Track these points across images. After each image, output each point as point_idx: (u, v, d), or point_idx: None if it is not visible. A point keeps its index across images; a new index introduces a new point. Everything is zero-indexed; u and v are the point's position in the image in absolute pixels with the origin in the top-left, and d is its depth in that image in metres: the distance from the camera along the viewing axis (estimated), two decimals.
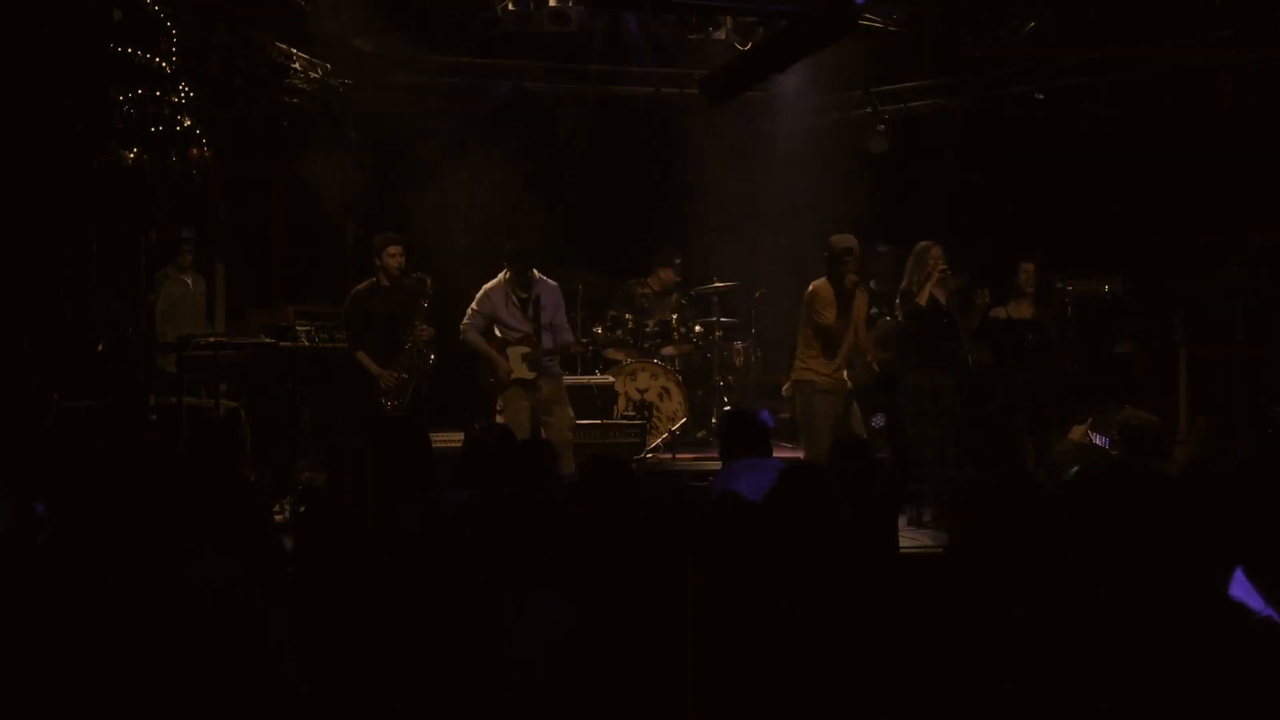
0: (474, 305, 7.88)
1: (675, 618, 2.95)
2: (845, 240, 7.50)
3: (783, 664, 2.81)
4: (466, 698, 2.98)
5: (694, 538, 3.20)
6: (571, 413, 8.02)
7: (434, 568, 3.31)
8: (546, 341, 7.80)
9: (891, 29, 9.35)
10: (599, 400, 9.10)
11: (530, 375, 7.74)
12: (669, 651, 2.87)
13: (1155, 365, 8.75)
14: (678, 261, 10.15)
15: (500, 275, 7.87)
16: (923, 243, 7.90)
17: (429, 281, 7.87)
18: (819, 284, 7.50)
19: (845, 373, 7.54)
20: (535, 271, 7.85)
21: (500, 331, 7.86)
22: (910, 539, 6.85)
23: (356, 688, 3.04)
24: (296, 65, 9.16)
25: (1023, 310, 8.39)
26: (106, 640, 2.60)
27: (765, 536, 3.14)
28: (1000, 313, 8.36)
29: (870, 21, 8.87)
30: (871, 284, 9.29)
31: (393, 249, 7.80)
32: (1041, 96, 9.54)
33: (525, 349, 7.77)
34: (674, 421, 9.37)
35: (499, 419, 7.86)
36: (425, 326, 7.80)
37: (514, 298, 7.81)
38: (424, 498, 4.18)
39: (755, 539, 3.15)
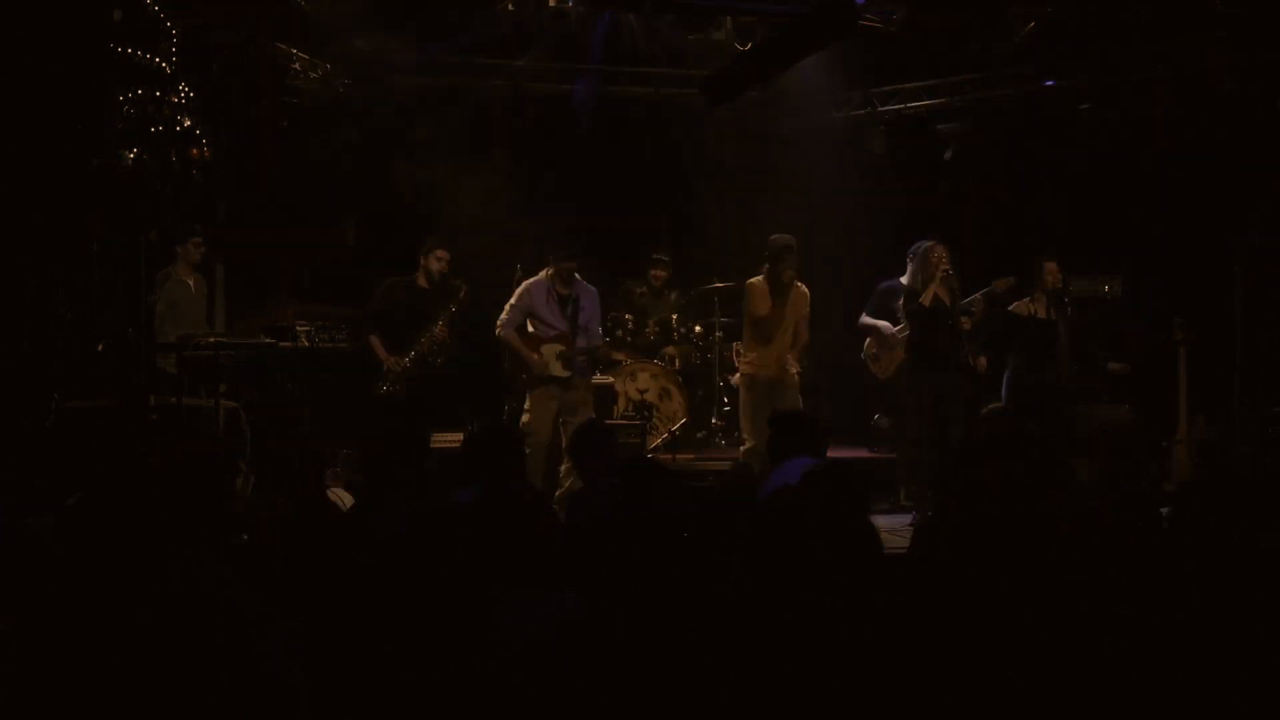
0: (512, 301, 7.93)
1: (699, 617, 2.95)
2: (783, 239, 7.74)
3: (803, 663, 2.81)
4: (468, 696, 2.98)
5: (743, 536, 3.19)
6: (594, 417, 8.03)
7: (423, 567, 3.31)
8: (580, 341, 7.83)
9: (891, 29, 9.35)
10: (599, 401, 9.08)
11: (565, 374, 7.77)
12: (695, 651, 2.86)
13: (1155, 365, 8.74)
14: (657, 257, 10.13)
15: (543, 272, 7.93)
16: (926, 243, 7.92)
17: (464, 289, 8.08)
18: (755, 279, 7.80)
19: (793, 368, 7.73)
20: (578, 274, 7.92)
21: (534, 327, 7.89)
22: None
23: (356, 688, 3.04)
24: (296, 65, 9.16)
25: (1039, 309, 8.36)
26: (101, 642, 2.60)
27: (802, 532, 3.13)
28: (1023, 310, 8.35)
29: (870, 21, 8.87)
30: (903, 279, 9.30)
31: (440, 253, 8.12)
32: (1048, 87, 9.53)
33: (560, 346, 7.78)
34: (674, 422, 9.36)
35: (524, 417, 7.87)
36: (443, 327, 7.91)
37: (555, 294, 7.86)
38: (415, 497, 4.18)
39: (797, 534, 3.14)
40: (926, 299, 7.79)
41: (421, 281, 8.12)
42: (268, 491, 7.39)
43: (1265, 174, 8.53)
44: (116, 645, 2.60)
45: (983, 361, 8.12)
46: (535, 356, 7.76)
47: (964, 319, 7.99)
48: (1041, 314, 8.33)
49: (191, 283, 8.28)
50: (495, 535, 3.29)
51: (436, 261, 8.07)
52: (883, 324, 9.17)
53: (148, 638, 2.61)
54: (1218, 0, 8.37)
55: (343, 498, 5.93)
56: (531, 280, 7.97)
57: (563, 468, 7.65)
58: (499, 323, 7.91)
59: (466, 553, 3.31)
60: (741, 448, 7.85)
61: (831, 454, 8.79)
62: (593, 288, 8.10)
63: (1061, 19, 8.93)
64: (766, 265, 7.77)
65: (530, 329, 7.89)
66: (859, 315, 8.73)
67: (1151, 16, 8.81)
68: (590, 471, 5.08)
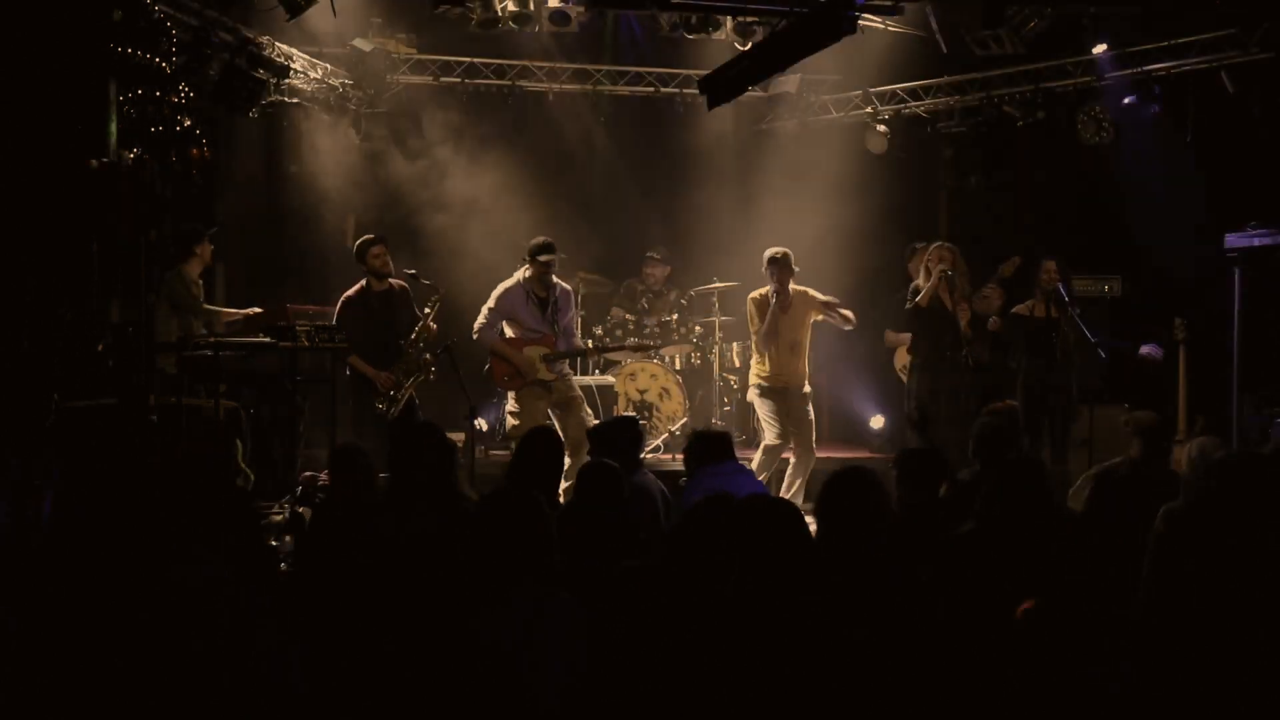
0: (490, 304, 7.80)
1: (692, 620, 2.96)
2: (772, 252, 7.83)
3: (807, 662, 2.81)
4: (467, 695, 2.98)
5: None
6: (590, 412, 7.97)
7: (447, 566, 3.32)
8: (561, 344, 7.77)
9: (892, 29, 9.35)
10: (599, 400, 9.08)
11: (550, 376, 7.69)
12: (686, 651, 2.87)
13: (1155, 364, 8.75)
14: (651, 255, 10.13)
15: (518, 273, 7.82)
16: (935, 243, 7.97)
17: (440, 292, 7.91)
18: (754, 293, 7.95)
19: (799, 375, 7.84)
20: (554, 275, 7.84)
21: (514, 331, 7.78)
22: None
23: (355, 687, 3.04)
24: (296, 65, 9.16)
25: (1039, 308, 8.38)
26: (104, 639, 2.60)
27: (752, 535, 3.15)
28: (1024, 310, 8.38)
29: (870, 21, 8.87)
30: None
31: (376, 249, 7.93)
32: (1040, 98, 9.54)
33: (544, 349, 7.72)
34: (674, 421, 9.36)
35: (511, 420, 7.81)
36: (431, 325, 7.82)
37: (534, 297, 7.76)
38: (444, 499, 4.19)
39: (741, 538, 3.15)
40: (924, 299, 7.80)
41: (373, 285, 7.97)
42: (267, 491, 7.40)
43: (1265, 174, 8.52)
44: (118, 643, 2.60)
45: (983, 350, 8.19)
46: (521, 355, 7.68)
47: (994, 320, 8.12)
48: (1041, 313, 8.35)
49: (200, 282, 8.29)
50: (496, 536, 3.29)
51: (375, 259, 7.91)
52: (905, 335, 9.18)
53: (148, 636, 2.61)
54: (1218, 0, 8.37)
55: (306, 515, 5.94)
56: (508, 283, 7.82)
57: (567, 462, 7.63)
58: (476, 327, 7.79)
59: (467, 553, 3.31)
60: (763, 442, 7.89)
61: (831, 455, 8.87)
62: (567, 286, 8.03)
63: (1061, 19, 8.93)
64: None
65: (510, 333, 7.78)
66: (858, 314, 8.73)
67: (1151, 16, 8.81)
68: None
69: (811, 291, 7.94)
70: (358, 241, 8.14)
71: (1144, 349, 8.65)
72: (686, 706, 2.81)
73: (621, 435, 5.33)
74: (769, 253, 7.83)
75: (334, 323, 7.97)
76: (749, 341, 10.18)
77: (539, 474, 4.73)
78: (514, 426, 7.75)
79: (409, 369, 7.86)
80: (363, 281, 8.01)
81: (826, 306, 7.86)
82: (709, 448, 5.22)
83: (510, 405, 7.91)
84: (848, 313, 7.90)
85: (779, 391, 7.83)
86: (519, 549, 3.20)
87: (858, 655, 2.86)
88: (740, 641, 2.85)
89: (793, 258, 7.81)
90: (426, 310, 7.90)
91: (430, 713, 2.98)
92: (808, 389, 7.92)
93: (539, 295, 7.75)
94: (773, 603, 2.93)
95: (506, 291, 7.79)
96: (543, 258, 7.68)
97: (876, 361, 9.64)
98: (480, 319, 7.80)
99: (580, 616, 3.13)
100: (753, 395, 8.01)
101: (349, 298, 7.98)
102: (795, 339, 7.83)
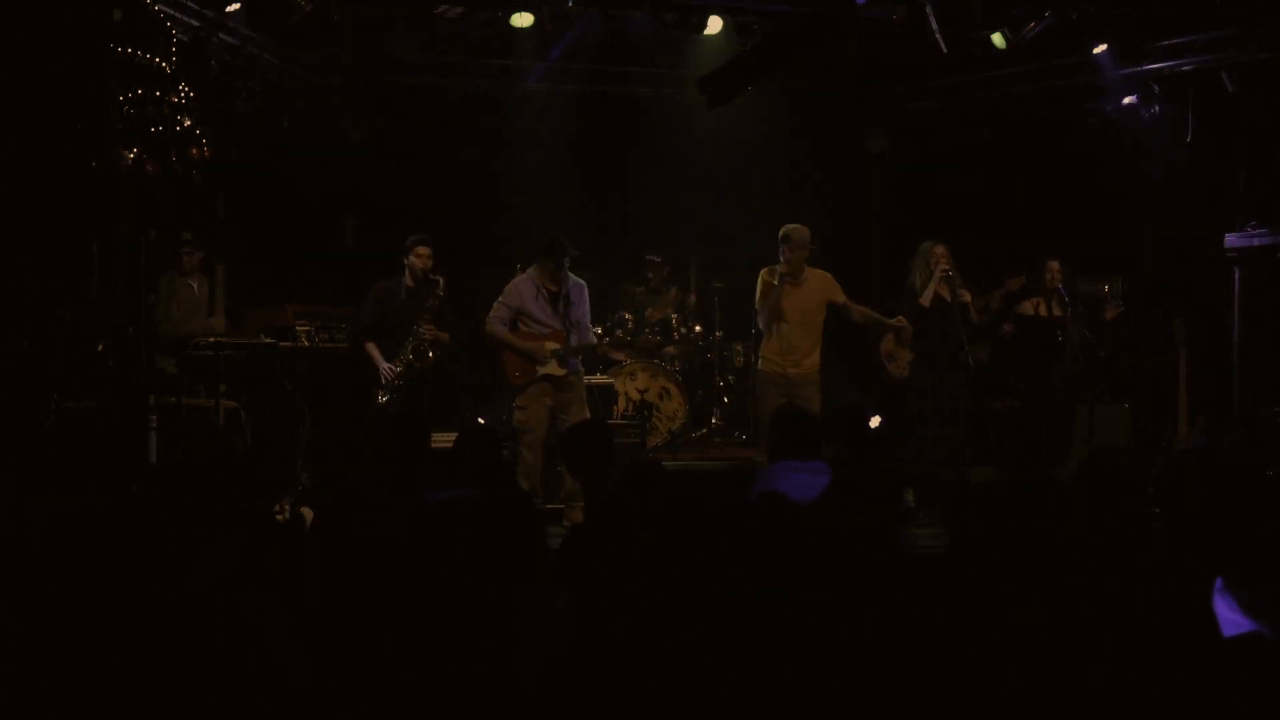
0: (501, 299, 7.79)
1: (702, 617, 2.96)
2: (786, 229, 7.61)
3: (795, 662, 2.82)
4: (472, 694, 2.99)
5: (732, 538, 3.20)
6: (589, 414, 7.95)
7: (428, 567, 3.32)
8: (574, 339, 7.75)
9: (891, 29, 9.34)
10: (599, 400, 9.07)
11: (561, 371, 7.66)
12: (694, 651, 2.87)
13: (1154, 364, 8.75)
14: (651, 259, 10.12)
15: (531, 268, 7.81)
16: (926, 242, 7.94)
17: (441, 282, 7.86)
18: (765, 269, 7.68)
19: (808, 361, 7.60)
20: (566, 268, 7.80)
21: (526, 325, 7.75)
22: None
23: (358, 688, 3.04)
24: (296, 65, 9.16)
25: (1042, 308, 8.40)
26: (107, 640, 2.60)
27: (809, 537, 3.15)
28: (1028, 308, 8.39)
29: (871, 20, 8.87)
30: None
31: (421, 249, 7.84)
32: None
33: (555, 344, 7.69)
34: (674, 421, 9.36)
35: (518, 415, 7.77)
36: (429, 327, 7.77)
37: (545, 291, 7.73)
38: (412, 499, 4.20)
39: (799, 540, 3.15)
40: (926, 299, 7.80)
41: (409, 282, 7.89)
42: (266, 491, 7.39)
43: (1265, 174, 8.53)
44: (120, 644, 2.60)
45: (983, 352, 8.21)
46: (538, 348, 7.64)
47: (1007, 326, 8.11)
48: (1044, 313, 8.37)
49: (195, 285, 8.28)
50: (495, 535, 3.29)
51: (418, 259, 7.82)
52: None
53: (151, 637, 2.61)
54: (1218, 0, 8.38)
55: (306, 515, 5.94)
56: (520, 278, 7.84)
57: (562, 466, 7.62)
58: (487, 320, 7.77)
59: (466, 552, 3.32)
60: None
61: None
62: (581, 281, 7.97)
63: (1061, 19, 8.93)
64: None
65: (521, 328, 7.76)
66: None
67: (1151, 16, 8.82)
68: (586, 477, 5.04)
69: (835, 284, 7.76)
70: (409, 237, 8.07)
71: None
72: (686, 707, 2.82)
73: (603, 438, 5.20)
74: (784, 230, 7.65)
75: (363, 309, 7.93)
76: (749, 342, 10.27)
77: (479, 471, 4.67)
78: (521, 420, 7.71)
79: (406, 364, 7.83)
80: (402, 275, 7.94)
81: (846, 306, 7.73)
82: (796, 439, 4.91)
83: (518, 399, 7.88)
84: (866, 310, 7.82)
85: (781, 379, 7.59)
86: (517, 549, 3.20)
87: (858, 656, 2.86)
88: (740, 642, 2.86)
89: (807, 236, 7.60)
90: (431, 304, 7.84)
91: (429, 713, 2.98)
92: (817, 378, 7.66)
93: (550, 290, 7.74)
94: (773, 603, 2.94)
95: (517, 286, 7.81)
96: (555, 255, 7.66)
97: (874, 362, 9.62)
98: (491, 313, 7.80)
99: (579, 616, 3.13)
100: (756, 381, 7.81)
101: (383, 285, 7.94)
102: (805, 319, 7.61)
